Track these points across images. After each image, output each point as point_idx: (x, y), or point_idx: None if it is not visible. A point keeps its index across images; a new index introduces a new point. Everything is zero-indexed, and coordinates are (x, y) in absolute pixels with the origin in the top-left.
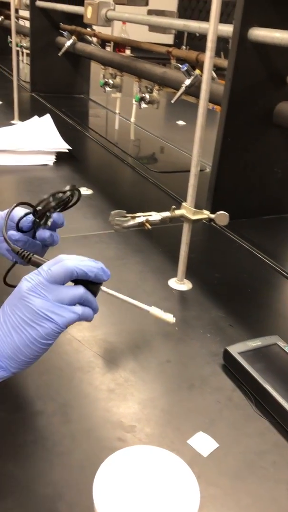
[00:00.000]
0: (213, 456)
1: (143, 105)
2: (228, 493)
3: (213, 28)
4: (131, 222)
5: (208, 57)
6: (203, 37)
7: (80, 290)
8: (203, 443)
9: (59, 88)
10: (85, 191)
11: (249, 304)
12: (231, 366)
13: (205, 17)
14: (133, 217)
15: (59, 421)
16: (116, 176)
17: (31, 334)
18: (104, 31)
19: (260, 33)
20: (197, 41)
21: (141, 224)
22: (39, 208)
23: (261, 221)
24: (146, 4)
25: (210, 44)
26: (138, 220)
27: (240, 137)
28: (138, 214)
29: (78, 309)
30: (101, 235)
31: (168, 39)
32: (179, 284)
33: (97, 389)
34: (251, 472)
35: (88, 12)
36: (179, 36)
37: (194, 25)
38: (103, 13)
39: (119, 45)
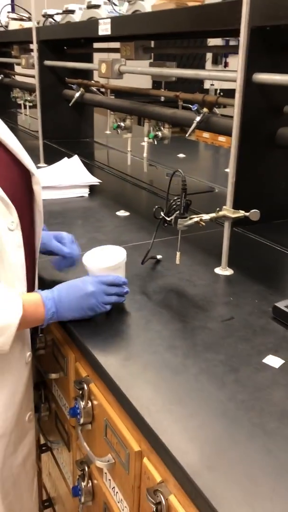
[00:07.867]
0: (284, 367)
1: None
2: None
3: (241, 75)
4: (189, 222)
5: (237, 98)
6: (178, 80)
7: None
8: (274, 361)
9: (67, 134)
10: (123, 213)
11: (282, 280)
12: (280, 317)
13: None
14: (191, 218)
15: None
16: (141, 201)
17: None
18: (102, 81)
19: (263, 77)
20: (173, 84)
21: (197, 223)
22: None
23: (271, 225)
24: (150, 58)
25: (239, 87)
26: (194, 219)
27: (250, 158)
28: (192, 216)
29: None
30: (150, 243)
31: (148, 83)
32: (224, 271)
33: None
34: None
35: (102, 68)
36: (157, 82)
37: (204, 73)
38: (116, 68)
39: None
